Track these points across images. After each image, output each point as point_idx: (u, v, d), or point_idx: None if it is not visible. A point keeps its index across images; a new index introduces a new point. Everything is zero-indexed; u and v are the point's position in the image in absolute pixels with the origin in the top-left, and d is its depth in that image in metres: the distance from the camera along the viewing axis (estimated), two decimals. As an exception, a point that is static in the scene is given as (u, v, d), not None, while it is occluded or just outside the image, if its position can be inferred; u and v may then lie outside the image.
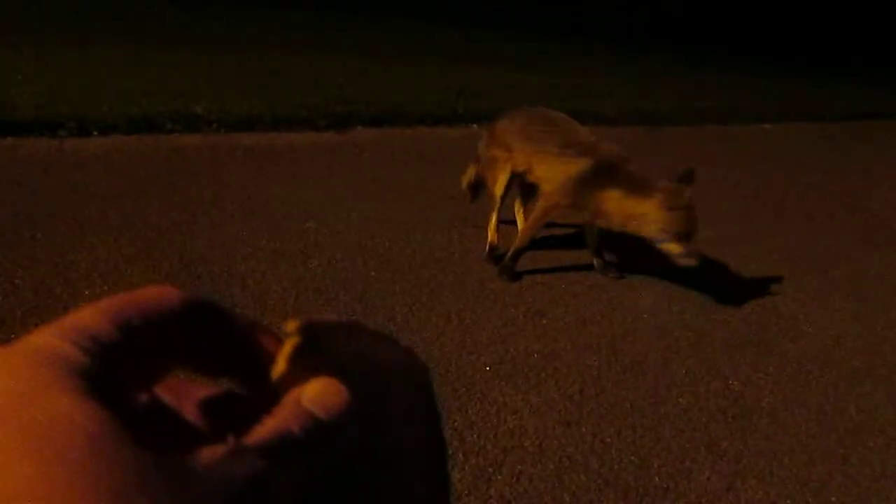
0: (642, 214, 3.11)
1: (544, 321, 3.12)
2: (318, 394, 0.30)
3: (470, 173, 3.94)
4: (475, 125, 6.45)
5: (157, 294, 0.29)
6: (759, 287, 3.84)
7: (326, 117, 6.03)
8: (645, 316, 3.35)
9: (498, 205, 3.66)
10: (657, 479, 2.27)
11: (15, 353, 0.24)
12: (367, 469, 0.31)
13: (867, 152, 8.29)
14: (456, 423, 2.31)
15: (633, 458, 2.34)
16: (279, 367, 0.32)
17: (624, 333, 3.15)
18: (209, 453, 0.25)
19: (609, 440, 2.40)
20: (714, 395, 2.75)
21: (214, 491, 0.24)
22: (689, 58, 15.23)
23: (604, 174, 3.19)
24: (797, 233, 4.90)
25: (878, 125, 10.33)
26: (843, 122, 10.09)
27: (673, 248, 3.12)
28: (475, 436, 2.30)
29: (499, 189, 3.62)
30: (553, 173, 3.34)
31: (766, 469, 2.41)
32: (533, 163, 3.41)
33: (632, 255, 3.67)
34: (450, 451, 2.10)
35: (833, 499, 2.33)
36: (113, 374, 0.25)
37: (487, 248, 3.70)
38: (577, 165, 3.23)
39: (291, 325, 0.33)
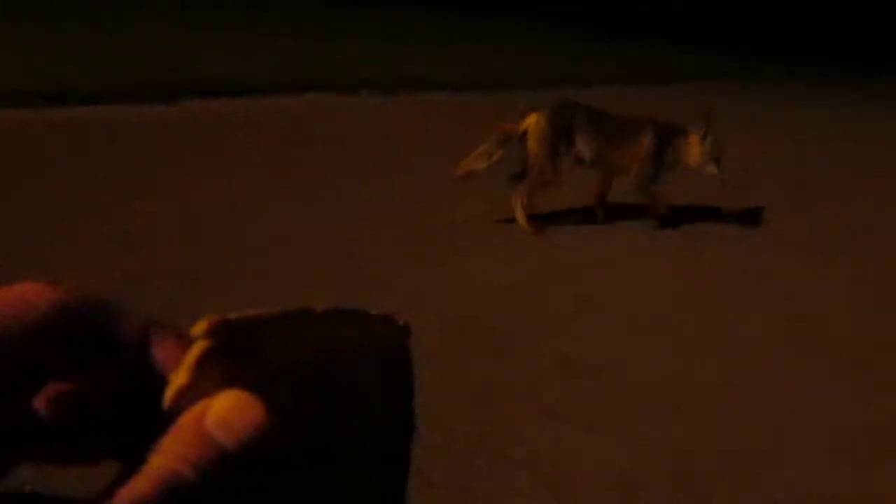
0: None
1: None
2: (221, 414, 0.26)
3: (489, 155, 3.80)
4: (310, 94, 6.42)
5: (20, 294, 0.25)
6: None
7: (153, 87, 5.84)
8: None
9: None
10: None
11: None
12: (323, 464, 0.29)
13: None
14: None
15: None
16: (179, 379, 0.27)
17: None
18: None
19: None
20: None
21: None
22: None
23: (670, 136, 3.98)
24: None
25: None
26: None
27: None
28: None
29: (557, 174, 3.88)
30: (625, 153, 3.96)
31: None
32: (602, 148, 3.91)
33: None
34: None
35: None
36: None
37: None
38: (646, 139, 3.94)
39: (199, 327, 0.27)
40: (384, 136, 5.73)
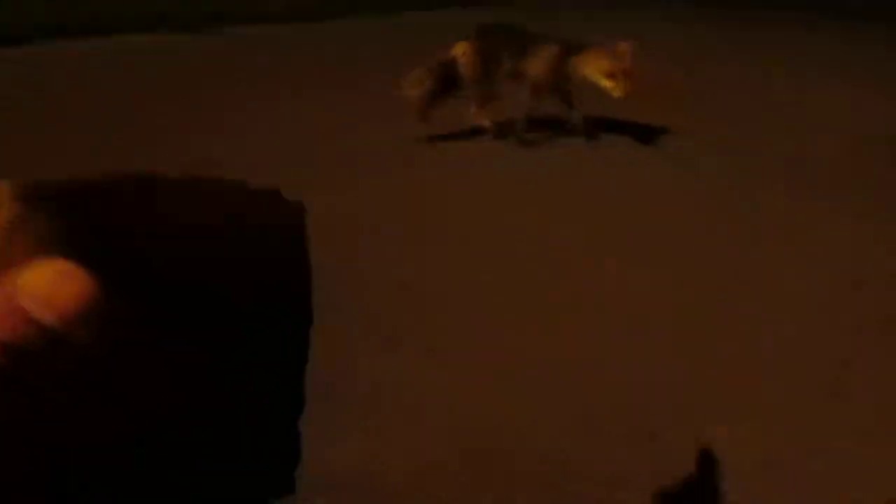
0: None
1: None
2: (37, 286, 0.23)
3: (421, 82, 4.38)
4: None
5: None
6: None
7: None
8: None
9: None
10: None
11: None
12: (192, 348, 0.25)
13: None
14: None
15: None
16: None
17: None
18: None
19: None
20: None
21: None
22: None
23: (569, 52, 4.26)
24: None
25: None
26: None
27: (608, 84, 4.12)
28: None
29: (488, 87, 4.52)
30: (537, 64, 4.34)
31: None
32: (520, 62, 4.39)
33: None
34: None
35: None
36: None
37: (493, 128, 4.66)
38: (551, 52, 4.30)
39: (1, 191, 0.24)
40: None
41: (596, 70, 4.10)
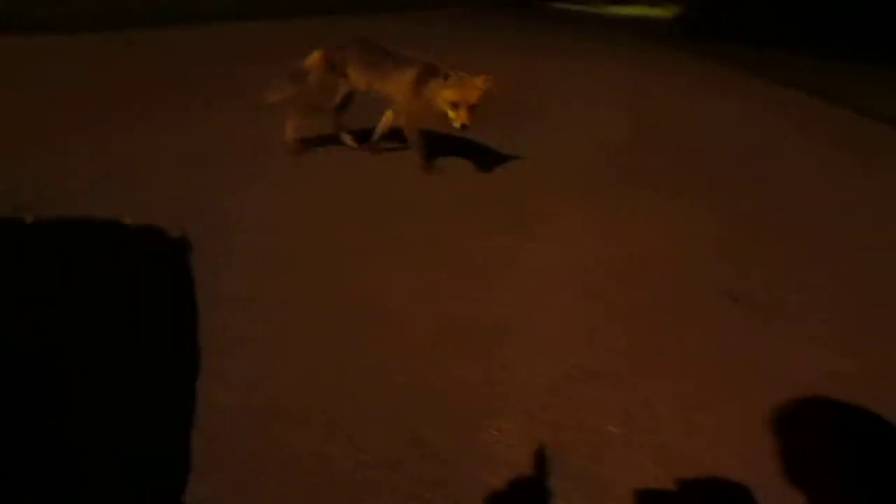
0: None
1: None
2: None
3: (280, 89, 4.59)
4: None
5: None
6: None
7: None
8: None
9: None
10: None
11: None
12: None
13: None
14: None
15: None
16: None
17: None
18: None
19: None
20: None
21: None
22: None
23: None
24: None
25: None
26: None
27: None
28: None
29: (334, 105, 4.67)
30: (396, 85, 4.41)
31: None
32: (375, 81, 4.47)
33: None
34: None
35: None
36: None
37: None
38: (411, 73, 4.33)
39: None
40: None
41: (442, 99, 4.12)
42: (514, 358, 2.54)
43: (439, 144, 4.91)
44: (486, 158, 4.95)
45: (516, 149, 5.25)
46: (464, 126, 4.06)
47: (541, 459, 2.05)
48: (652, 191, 4.63)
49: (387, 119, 4.81)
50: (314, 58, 4.51)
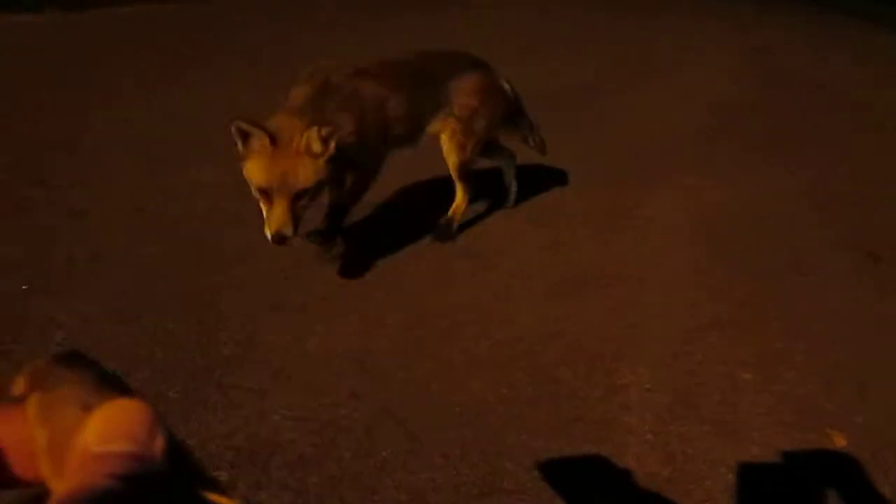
0: None
1: (89, 221, 2.79)
2: (112, 426, 0.29)
3: None
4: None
5: None
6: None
7: None
8: (203, 192, 3.10)
9: None
10: (226, 350, 2.16)
11: None
12: None
13: None
14: None
15: (199, 336, 2.21)
16: (40, 439, 0.30)
17: (180, 215, 2.92)
18: None
19: (172, 326, 2.23)
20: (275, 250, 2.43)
21: None
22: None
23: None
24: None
25: None
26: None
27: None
28: (12, 363, 1.96)
29: None
30: None
31: (329, 313, 2.40)
32: None
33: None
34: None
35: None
36: None
37: None
38: None
39: (18, 385, 0.31)
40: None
41: None
42: (647, 308, 2.58)
43: (555, 105, 4.88)
44: (601, 118, 4.92)
45: (631, 109, 5.19)
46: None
47: (675, 403, 2.10)
48: (768, 152, 4.49)
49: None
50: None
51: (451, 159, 2.83)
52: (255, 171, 2.13)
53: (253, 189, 2.18)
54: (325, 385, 2.05)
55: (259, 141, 2.11)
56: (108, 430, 0.28)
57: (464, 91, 2.74)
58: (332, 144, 2.15)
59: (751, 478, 1.89)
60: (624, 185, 3.69)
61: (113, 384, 0.31)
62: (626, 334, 2.40)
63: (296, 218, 2.16)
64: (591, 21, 8.36)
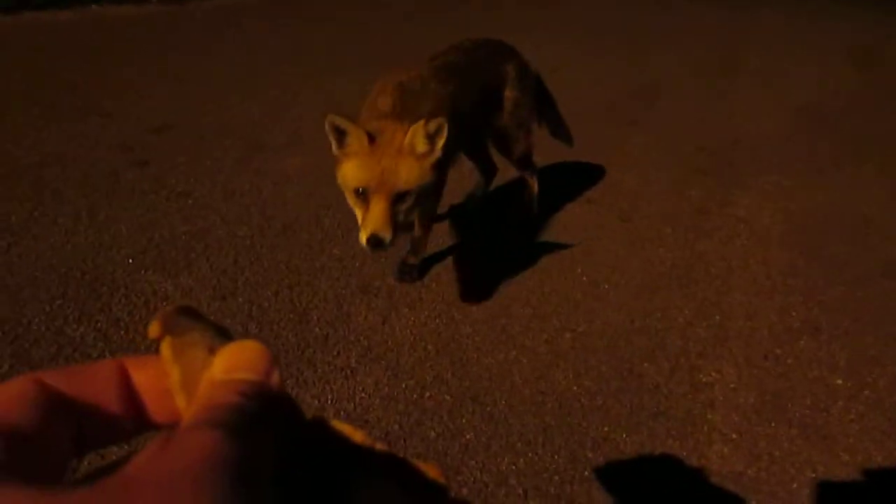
0: None
1: (190, 201, 2.94)
2: (235, 360, 0.32)
3: None
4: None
5: (13, 394, 0.30)
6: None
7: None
8: (294, 179, 3.21)
9: None
10: (317, 329, 2.24)
11: None
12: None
13: None
14: (100, 324, 2.13)
15: (291, 315, 2.30)
16: (174, 375, 0.33)
17: (274, 199, 3.03)
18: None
19: (266, 304, 2.34)
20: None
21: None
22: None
23: None
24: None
25: None
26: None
27: None
28: (122, 332, 2.12)
29: None
30: None
31: (416, 298, 2.47)
32: None
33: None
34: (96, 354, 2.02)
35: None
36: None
37: None
38: None
39: (153, 329, 0.35)
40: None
41: None
42: (733, 308, 2.54)
43: (647, 101, 4.82)
44: (691, 113, 4.83)
45: (722, 104, 5.08)
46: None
47: (762, 404, 2.07)
48: (862, 155, 4.31)
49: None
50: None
51: (509, 154, 2.81)
52: (351, 171, 1.97)
53: (348, 193, 2.03)
54: (411, 367, 2.11)
55: (357, 139, 1.96)
56: (231, 363, 0.32)
57: (507, 83, 2.66)
58: (440, 144, 1.99)
59: (839, 483, 1.85)
60: (712, 183, 3.63)
61: (226, 335, 0.35)
62: (712, 334, 2.37)
63: (395, 223, 1.96)
64: (687, 13, 8.20)
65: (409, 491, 0.34)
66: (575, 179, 3.49)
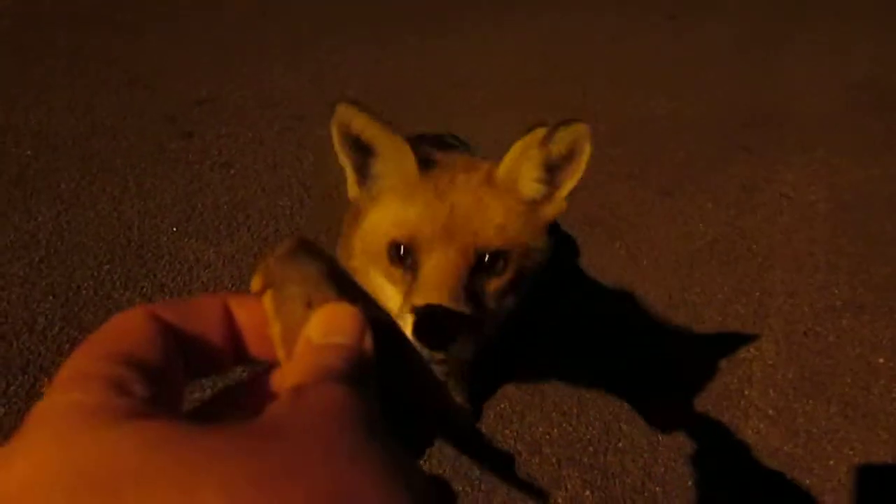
0: None
1: (232, 171, 2.98)
2: (330, 324, 0.34)
3: None
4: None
5: (128, 327, 0.33)
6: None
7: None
8: (334, 151, 3.07)
9: None
10: None
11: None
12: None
13: None
14: (145, 290, 2.21)
15: None
16: (275, 329, 0.35)
17: (314, 171, 3.03)
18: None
19: None
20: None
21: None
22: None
23: None
24: None
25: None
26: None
27: None
28: (167, 297, 2.19)
29: None
30: None
31: None
32: None
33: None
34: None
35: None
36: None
37: None
38: None
39: (256, 282, 0.36)
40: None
41: None
42: (775, 285, 2.50)
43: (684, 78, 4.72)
44: (739, 84, 4.72)
45: (773, 76, 4.96)
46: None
47: (802, 381, 2.05)
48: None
49: None
50: None
51: None
52: (392, 213, 1.15)
53: (374, 260, 1.17)
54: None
55: (397, 158, 1.16)
56: (327, 327, 0.34)
57: None
58: (570, 183, 1.23)
59: (878, 462, 1.83)
60: (757, 159, 3.56)
61: (333, 277, 0.37)
62: (752, 311, 2.35)
63: (471, 294, 1.07)
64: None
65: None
66: (615, 154, 3.46)
